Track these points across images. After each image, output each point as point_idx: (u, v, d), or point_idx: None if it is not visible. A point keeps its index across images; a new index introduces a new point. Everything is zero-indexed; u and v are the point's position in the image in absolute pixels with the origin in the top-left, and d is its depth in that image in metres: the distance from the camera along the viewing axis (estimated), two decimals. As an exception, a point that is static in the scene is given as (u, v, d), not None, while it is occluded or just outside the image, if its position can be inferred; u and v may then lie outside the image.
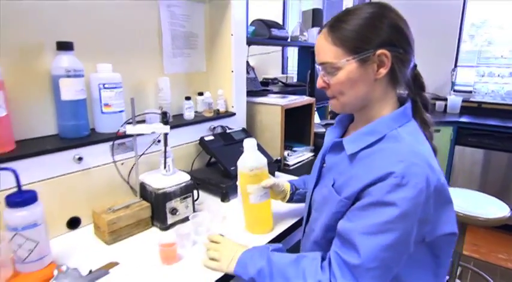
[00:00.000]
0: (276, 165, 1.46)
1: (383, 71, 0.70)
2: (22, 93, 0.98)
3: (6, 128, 0.91)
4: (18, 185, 0.78)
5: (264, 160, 0.97)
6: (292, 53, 2.84)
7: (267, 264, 0.76)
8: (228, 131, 1.44)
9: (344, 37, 0.70)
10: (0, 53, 0.90)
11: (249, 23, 1.93)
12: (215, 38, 1.51)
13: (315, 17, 2.43)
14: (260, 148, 1.43)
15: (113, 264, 0.86)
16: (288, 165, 1.62)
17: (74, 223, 1.03)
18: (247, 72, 1.99)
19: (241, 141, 1.39)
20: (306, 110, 1.76)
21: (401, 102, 0.77)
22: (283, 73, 2.92)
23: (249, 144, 0.96)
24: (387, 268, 0.66)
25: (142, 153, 1.14)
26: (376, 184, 0.65)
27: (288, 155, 1.66)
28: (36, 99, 1.01)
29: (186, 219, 1.06)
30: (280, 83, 2.40)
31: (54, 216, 0.97)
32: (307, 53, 2.41)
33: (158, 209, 1.02)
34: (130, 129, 0.99)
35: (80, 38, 1.06)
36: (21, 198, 0.77)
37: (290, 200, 1.06)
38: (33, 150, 0.92)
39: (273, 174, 1.37)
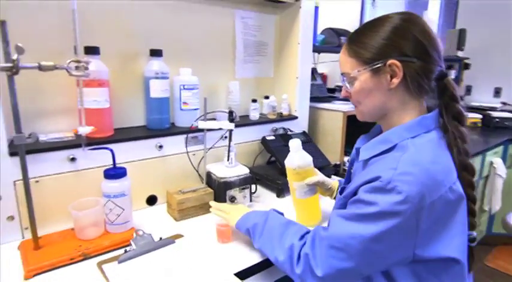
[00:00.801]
0: (334, 169, 1.51)
1: (395, 81, 0.72)
2: (122, 90, 1.21)
3: (108, 117, 1.14)
4: (114, 162, 0.98)
5: (309, 159, 1.05)
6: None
7: (263, 221, 0.87)
8: (289, 133, 1.54)
9: (358, 49, 0.74)
10: (107, 58, 1.14)
11: (319, 32, 2.01)
12: (283, 46, 1.63)
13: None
14: (318, 151, 1.51)
15: (179, 236, 1.02)
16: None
17: (152, 200, 1.23)
18: (314, 79, 2.07)
19: (301, 143, 1.49)
20: (370, 117, 1.77)
21: (430, 111, 0.77)
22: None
23: (294, 144, 1.04)
24: (350, 256, 0.66)
25: (211, 147, 1.30)
26: (364, 185, 0.69)
27: (347, 160, 1.69)
28: (132, 96, 1.24)
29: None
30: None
31: (137, 193, 1.17)
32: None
33: (220, 195, 1.17)
34: (201, 124, 1.16)
35: (168, 46, 1.26)
36: (115, 172, 0.97)
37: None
38: (127, 137, 1.14)
39: (329, 177, 1.43)
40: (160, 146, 1.20)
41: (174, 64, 1.28)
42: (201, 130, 1.22)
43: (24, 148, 0.85)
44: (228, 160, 1.20)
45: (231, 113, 1.16)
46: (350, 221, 0.68)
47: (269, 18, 1.58)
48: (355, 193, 0.73)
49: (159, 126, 1.25)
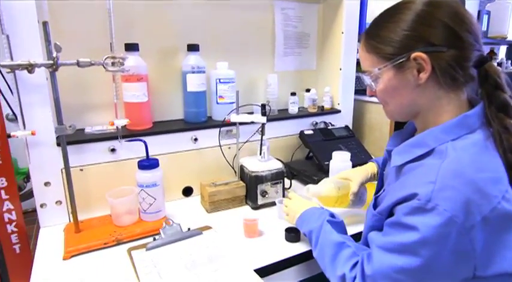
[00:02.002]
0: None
1: (424, 76, 0.62)
2: (161, 85, 1.26)
3: (147, 111, 1.19)
4: (147, 153, 1.03)
5: (332, 182, 1.01)
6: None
7: (318, 229, 0.82)
8: (330, 127, 1.47)
9: (377, 44, 0.65)
10: (147, 54, 1.18)
11: (367, 21, 1.88)
12: (326, 37, 1.55)
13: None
14: (361, 147, 1.42)
15: (207, 228, 1.03)
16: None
17: (187, 191, 1.27)
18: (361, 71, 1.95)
19: (342, 137, 1.42)
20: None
21: (474, 106, 0.65)
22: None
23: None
24: None
25: (246, 141, 1.30)
26: (402, 204, 0.60)
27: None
28: (171, 90, 1.29)
29: (274, 203, 1.16)
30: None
31: (174, 184, 1.22)
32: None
33: (251, 189, 1.16)
34: (234, 118, 1.15)
35: (204, 41, 1.27)
36: (148, 163, 1.01)
37: None
38: (163, 129, 1.18)
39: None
40: (196, 139, 1.23)
41: (211, 58, 1.29)
42: (235, 124, 1.22)
43: (65, 138, 0.93)
44: (260, 154, 1.18)
45: (263, 106, 1.14)
46: (392, 254, 0.60)
47: (311, 8, 1.52)
48: (391, 211, 0.66)
49: (195, 119, 1.28)
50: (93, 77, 1.13)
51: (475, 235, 0.55)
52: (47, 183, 1.02)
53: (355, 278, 0.68)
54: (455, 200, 0.55)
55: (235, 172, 1.26)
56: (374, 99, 1.63)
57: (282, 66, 1.51)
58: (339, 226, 0.83)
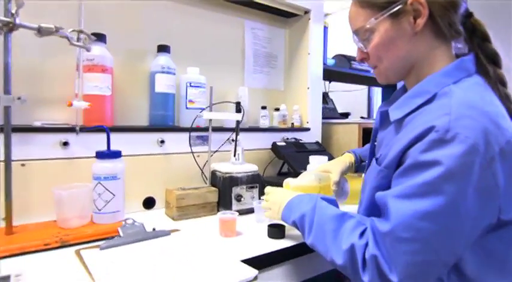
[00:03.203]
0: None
1: (421, 21, 0.62)
2: (125, 86, 1.16)
3: (109, 106, 1.07)
4: (108, 143, 0.89)
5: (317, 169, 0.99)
6: (376, 95, 2.79)
7: (311, 210, 0.70)
8: (301, 141, 1.43)
9: None
10: (114, 52, 1.10)
11: (329, 56, 2.01)
12: (293, 59, 1.61)
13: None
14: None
15: (175, 230, 0.88)
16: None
17: (149, 203, 1.10)
18: (326, 103, 2.02)
19: (314, 151, 1.39)
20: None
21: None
22: (369, 117, 2.84)
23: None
24: (428, 245, 0.53)
25: (216, 150, 1.21)
26: (416, 144, 0.56)
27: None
28: (135, 92, 1.19)
29: (251, 210, 1.04)
30: (360, 117, 2.35)
31: (134, 193, 1.05)
32: (389, 91, 2.35)
33: (225, 193, 1.04)
34: (207, 115, 1.08)
35: (176, 47, 1.23)
36: (108, 152, 0.88)
37: (357, 171, 1.01)
38: (126, 126, 1.06)
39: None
40: (162, 141, 1.11)
41: (182, 65, 1.24)
42: (206, 129, 1.14)
43: (11, 113, 0.78)
44: (234, 155, 1.09)
45: (238, 103, 1.09)
46: (413, 199, 0.54)
47: (279, 31, 1.59)
48: (399, 162, 0.60)
49: (162, 123, 1.17)
50: (48, 68, 1.01)
51: (496, 169, 0.52)
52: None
53: (366, 244, 0.59)
54: (475, 128, 0.52)
55: (205, 182, 1.14)
56: (342, 120, 1.68)
57: (252, 83, 1.50)
58: (335, 203, 0.75)
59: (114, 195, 0.86)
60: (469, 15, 0.66)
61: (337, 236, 0.63)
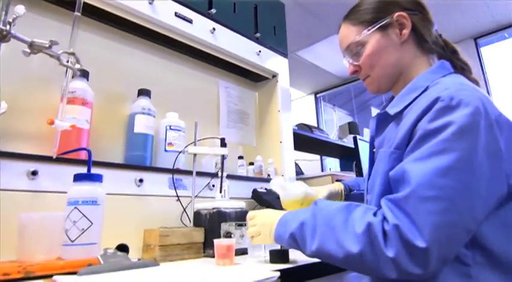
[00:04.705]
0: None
1: (406, 32, 0.72)
2: (104, 124, 1.10)
3: (85, 140, 0.99)
4: (89, 165, 0.81)
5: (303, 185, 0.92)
6: (334, 163, 2.94)
7: (311, 216, 0.66)
8: (280, 191, 1.41)
9: (360, 15, 0.77)
10: (95, 92, 1.08)
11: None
12: (264, 117, 1.69)
13: (351, 129, 2.65)
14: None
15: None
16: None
17: (121, 250, 0.95)
18: (297, 171, 2.08)
19: (295, 198, 1.36)
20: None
21: None
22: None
23: (278, 180, 0.95)
24: (452, 203, 0.53)
25: (197, 195, 1.13)
26: (423, 118, 0.60)
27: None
28: (113, 131, 1.13)
29: (243, 251, 0.95)
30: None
31: (105, 237, 0.90)
32: (347, 162, 2.50)
33: (212, 230, 0.94)
34: (192, 149, 1.05)
35: (155, 93, 1.25)
36: (89, 173, 0.79)
37: (346, 200, 0.99)
38: (102, 161, 0.97)
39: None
40: (141, 180, 1.03)
41: (160, 111, 1.24)
42: (188, 172, 1.09)
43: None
44: (220, 191, 1.03)
45: (222, 139, 1.08)
46: (432, 158, 0.56)
47: (250, 94, 1.70)
48: (409, 140, 0.62)
49: (140, 163, 1.10)
50: (27, 100, 0.95)
51: (496, 134, 0.58)
52: None
53: (383, 219, 0.57)
54: (473, 97, 0.59)
55: (187, 225, 1.03)
56: (315, 174, 1.71)
57: (227, 136, 1.49)
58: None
59: (92, 223, 0.74)
60: (439, 35, 0.79)
61: (348, 225, 0.60)
